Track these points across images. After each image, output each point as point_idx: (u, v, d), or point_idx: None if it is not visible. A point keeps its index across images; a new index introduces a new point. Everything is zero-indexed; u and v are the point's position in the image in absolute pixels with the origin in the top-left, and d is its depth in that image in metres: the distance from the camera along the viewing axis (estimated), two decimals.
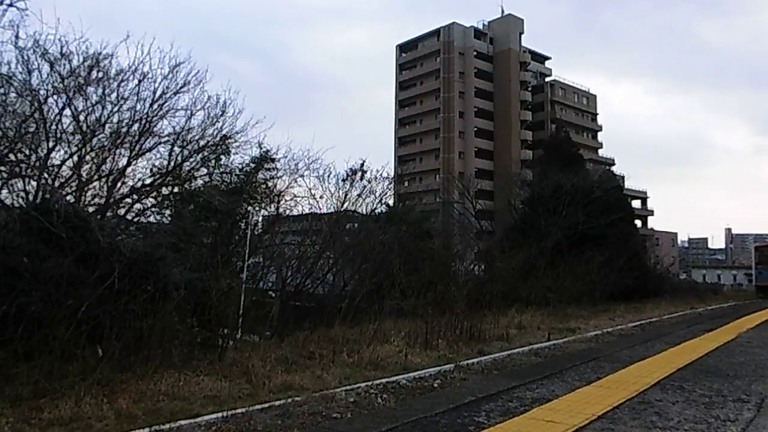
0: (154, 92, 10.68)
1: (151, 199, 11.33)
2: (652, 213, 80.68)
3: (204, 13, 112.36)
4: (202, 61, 31.96)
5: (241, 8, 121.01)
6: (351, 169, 17.08)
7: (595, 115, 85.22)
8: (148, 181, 11.03)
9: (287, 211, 15.22)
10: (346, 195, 16.84)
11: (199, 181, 12.22)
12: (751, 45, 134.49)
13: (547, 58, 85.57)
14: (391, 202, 20.79)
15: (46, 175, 9.18)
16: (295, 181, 14.87)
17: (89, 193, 10.07)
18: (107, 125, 10.26)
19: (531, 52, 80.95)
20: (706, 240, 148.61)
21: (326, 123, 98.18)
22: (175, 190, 11.75)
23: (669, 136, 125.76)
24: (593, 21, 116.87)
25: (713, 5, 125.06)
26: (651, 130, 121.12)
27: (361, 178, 17.22)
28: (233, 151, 12.51)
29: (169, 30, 48.85)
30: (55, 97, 9.61)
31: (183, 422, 5.46)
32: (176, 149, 11.27)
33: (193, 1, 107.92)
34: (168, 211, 12.11)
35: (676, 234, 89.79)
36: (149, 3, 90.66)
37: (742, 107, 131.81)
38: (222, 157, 12.58)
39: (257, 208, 14.41)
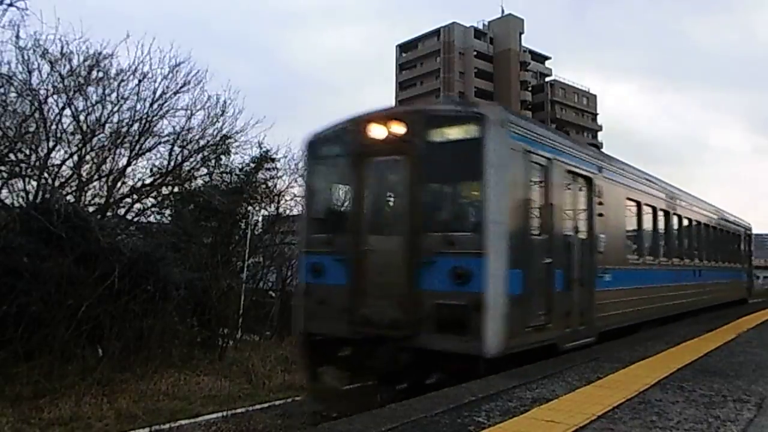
0: (154, 92, 10.72)
1: (151, 199, 11.35)
2: None
3: (204, 13, 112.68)
4: (202, 61, 32.05)
5: (240, 7, 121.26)
6: None
7: (595, 114, 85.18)
8: (148, 181, 11.05)
9: (287, 211, 15.23)
10: None
11: (199, 181, 12.25)
12: (745, 44, 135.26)
13: (547, 58, 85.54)
14: None
15: (46, 175, 9.18)
16: (295, 181, 14.88)
17: (89, 193, 10.09)
18: (107, 125, 10.29)
19: (531, 52, 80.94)
20: None
21: (326, 123, 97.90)
22: (175, 190, 11.77)
23: (667, 135, 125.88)
24: (591, 20, 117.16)
25: (706, 5, 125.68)
26: (650, 130, 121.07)
27: None
28: (233, 150, 12.54)
29: (169, 30, 49.27)
30: (55, 97, 9.63)
31: (183, 422, 5.47)
32: (176, 149, 11.31)
33: (192, 1, 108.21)
34: (168, 211, 12.12)
35: None
36: (149, 3, 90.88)
37: (739, 106, 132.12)
38: (222, 156, 12.61)
39: (257, 208, 14.42)
